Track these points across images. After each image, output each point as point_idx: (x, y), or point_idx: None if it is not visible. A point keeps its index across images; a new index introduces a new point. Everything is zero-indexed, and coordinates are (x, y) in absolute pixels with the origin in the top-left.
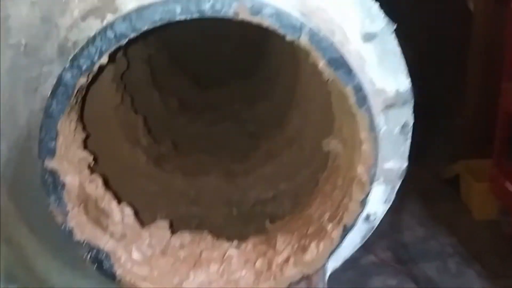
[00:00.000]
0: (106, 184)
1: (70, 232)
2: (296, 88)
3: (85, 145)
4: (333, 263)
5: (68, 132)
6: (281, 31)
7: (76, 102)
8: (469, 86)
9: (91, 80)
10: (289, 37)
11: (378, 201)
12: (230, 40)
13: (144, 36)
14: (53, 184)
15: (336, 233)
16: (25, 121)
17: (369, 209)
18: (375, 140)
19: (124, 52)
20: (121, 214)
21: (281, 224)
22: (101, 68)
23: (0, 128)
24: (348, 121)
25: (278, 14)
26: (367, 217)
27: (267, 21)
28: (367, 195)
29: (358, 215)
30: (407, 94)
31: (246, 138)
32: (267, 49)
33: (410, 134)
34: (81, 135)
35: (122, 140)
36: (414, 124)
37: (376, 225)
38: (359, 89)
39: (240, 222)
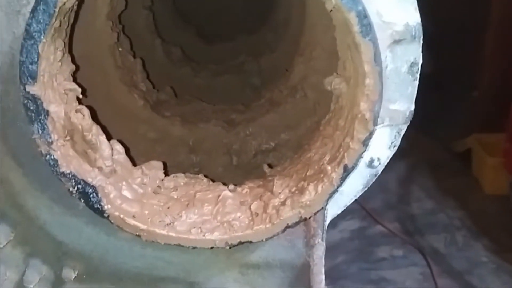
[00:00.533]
0: (99, 124)
1: (55, 164)
2: (301, 37)
3: (75, 79)
4: (333, 210)
5: (53, 59)
6: None
7: (61, 25)
8: (486, 59)
9: (79, 8)
10: None
11: (382, 146)
12: None
13: None
14: (36, 111)
15: (336, 174)
16: (8, 46)
17: (373, 153)
18: (379, 74)
19: None
20: (110, 149)
21: (280, 169)
22: None
23: None
24: (352, 55)
25: None
26: (371, 162)
27: None
28: (370, 134)
29: (360, 155)
30: (416, 28)
31: (248, 89)
32: (276, 1)
33: (418, 74)
34: (69, 67)
35: (117, 82)
36: (427, 94)
37: (380, 172)
38: (363, 16)
39: (240, 172)
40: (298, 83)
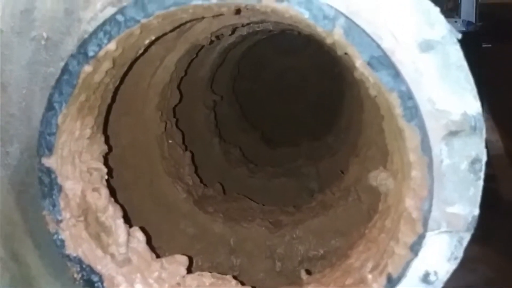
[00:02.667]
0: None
1: (62, 244)
2: (359, 138)
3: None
4: None
5: (78, 135)
6: (311, 21)
7: (90, 101)
8: None
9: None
10: (320, 30)
11: (440, 257)
12: (304, 101)
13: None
14: (49, 185)
15: (378, 285)
16: (40, 121)
17: (428, 265)
18: (428, 166)
19: (178, 85)
20: (126, 235)
21: (319, 276)
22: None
23: (13, 129)
24: (398, 144)
25: (308, 2)
26: (425, 276)
27: (293, 9)
28: (419, 239)
29: (407, 264)
30: (476, 119)
31: (305, 193)
32: (340, 108)
33: (482, 173)
34: (100, 147)
35: (161, 173)
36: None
37: None
38: (407, 98)
39: (283, 280)
40: (351, 185)
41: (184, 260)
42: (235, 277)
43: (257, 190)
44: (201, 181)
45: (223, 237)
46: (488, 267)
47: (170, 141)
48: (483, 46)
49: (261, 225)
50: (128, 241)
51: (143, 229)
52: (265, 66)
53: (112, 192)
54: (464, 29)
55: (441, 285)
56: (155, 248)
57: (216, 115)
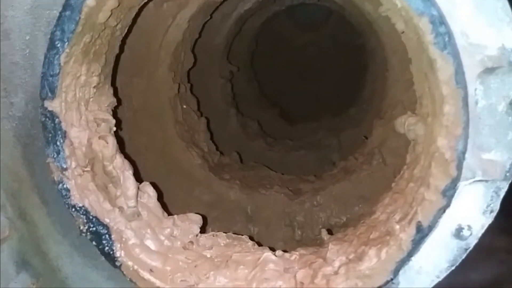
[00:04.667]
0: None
1: (67, 194)
2: (383, 101)
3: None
4: None
5: (84, 81)
6: None
7: (95, 43)
8: None
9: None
10: None
11: (474, 209)
12: (325, 77)
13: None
14: (53, 131)
15: (406, 235)
16: None
17: (461, 219)
18: (463, 100)
19: (192, 49)
20: (135, 188)
21: (341, 235)
22: None
23: (17, 78)
24: (429, 82)
25: None
26: (458, 231)
27: None
28: (452, 183)
29: (439, 212)
30: None
31: (324, 164)
32: (363, 81)
33: None
34: (109, 99)
35: (174, 137)
36: None
37: (472, 246)
38: (439, 22)
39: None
40: (376, 148)
41: (198, 219)
42: (251, 238)
43: (275, 162)
44: (217, 149)
45: (240, 205)
46: None
47: (185, 106)
48: None
49: (280, 192)
50: (138, 195)
51: (154, 185)
52: (284, 42)
53: (125, 157)
54: None
55: (475, 241)
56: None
57: (233, 88)
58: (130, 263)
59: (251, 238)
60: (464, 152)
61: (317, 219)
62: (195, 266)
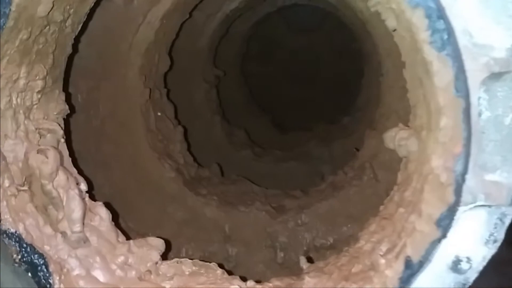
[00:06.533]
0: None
1: None
2: (376, 110)
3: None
4: None
5: (23, 85)
6: None
7: (34, 40)
8: None
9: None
10: None
11: (475, 239)
12: (319, 83)
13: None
14: None
15: (392, 272)
16: None
17: (460, 250)
18: (464, 112)
19: (169, 51)
20: (81, 210)
21: (322, 265)
22: None
23: None
24: (424, 89)
25: None
26: (456, 263)
27: None
28: (449, 211)
29: (432, 245)
30: None
31: (314, 177)
32: (358, 87)
33: None
34: (59, 106)
35: (145, 147)
36: None
37: (471, 280)
38: (436, 16)
39: (286, 273)
40: (367, 162)
41: (159, 243)
42: (221, 266)
43: (261, 174)
44: (195, 161)
45: (217, 223)
46: None
47: (159, 113)
48: None
49: (261, 209)
50: (86, 218)
51: (108, 205)
52: (276, 45)
53: (92, 170)
54: None
55: (475, 275)
56: (140, 235)
57: (219, 94)
58: None
59: (228, 260)
60: (463, 174)
61: (301, 240)
62: None
